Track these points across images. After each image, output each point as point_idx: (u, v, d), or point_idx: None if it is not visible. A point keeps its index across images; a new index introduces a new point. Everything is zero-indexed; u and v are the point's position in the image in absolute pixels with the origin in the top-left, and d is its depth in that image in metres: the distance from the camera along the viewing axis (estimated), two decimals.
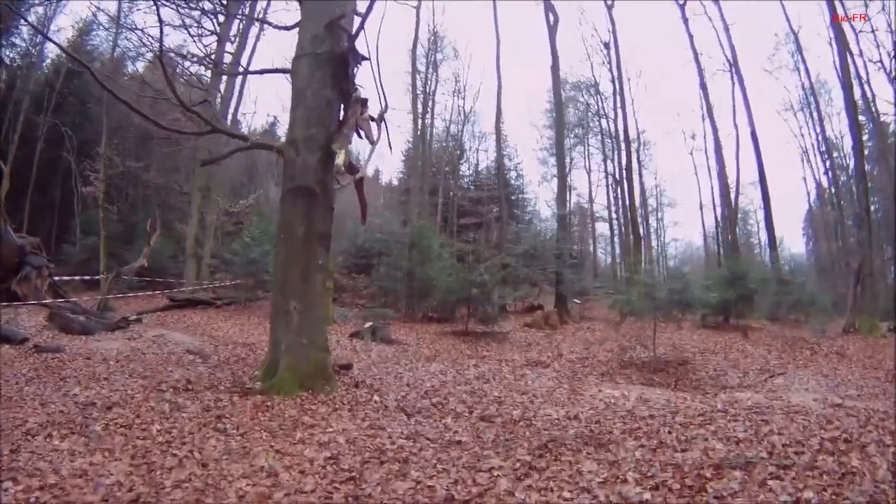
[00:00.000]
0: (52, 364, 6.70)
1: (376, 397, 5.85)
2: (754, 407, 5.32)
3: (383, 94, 7.68)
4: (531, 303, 19.79)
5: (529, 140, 70.95)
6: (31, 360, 6.83)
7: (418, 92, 30.10)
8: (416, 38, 26.04)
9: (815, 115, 28.45)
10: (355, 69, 7.10)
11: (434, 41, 31.91)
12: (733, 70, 22.95)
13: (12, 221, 21.27)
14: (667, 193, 37.16)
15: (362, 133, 6.76)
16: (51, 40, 17.65)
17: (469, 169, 36.86)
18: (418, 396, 6.03)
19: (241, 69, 13.29)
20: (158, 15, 6.57)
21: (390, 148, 10.03)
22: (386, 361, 8.78)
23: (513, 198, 33.90)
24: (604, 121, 32.48)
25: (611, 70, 27.02)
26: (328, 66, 6.66)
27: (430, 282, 15.53)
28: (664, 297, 9.73)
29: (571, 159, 34.19)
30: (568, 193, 32.94)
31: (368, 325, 12.24)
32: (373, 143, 6.74)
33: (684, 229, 55.62)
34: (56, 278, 13.44)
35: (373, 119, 7.29)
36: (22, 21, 20.73)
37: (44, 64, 25.18)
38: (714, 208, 30.06)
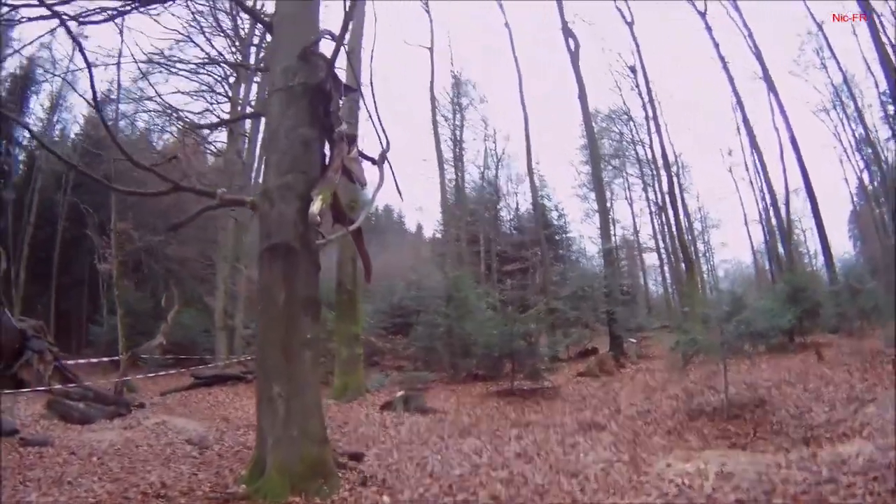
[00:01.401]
0: (28, 461, 6.13)
1: (386, 498, 4.80)
2: (869, 465, 4.21)
3: (383, 132, 6.83)
4: (585, 347, 18.52)
5: (567, 178, 69.50)
6: (12, 456, 6.27)
7: (445, 138, 30.95)
8: (433, 80, 25.76)
9: (847, 111, 26.97)
10: (339, 101, 6.34)
11: (457, 86, 32.28)
12: (764, 76, 22.16)
13: (34, 303, 21.88)
14: (710, 215, 35.82)
15: (353, 176, 5.92)
16: (29, 129, 17.61)
17: (509, 213, 36.45)
18: (441, 492, 4.95)
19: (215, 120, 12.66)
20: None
21: (399, 194, 9.24)
22: (413, 440, 7.71)
23: (556, 238, 33.42)
24: (640, 148, 31.76)
25: (640, 94, 26.20)
26: (303, 99, 5.88)
27: (468, 337, 14.47)
28: (732, 329, 8.37)
29: (612, 192, 33.81)
30: (612, 226, 32.54)
31: (400, 394, 11.27)
32: (363, 185, 5.90)
33: (732, 249, 52.72)
34: (79, 361, 13.23)
35: (372, 160, 6.52)
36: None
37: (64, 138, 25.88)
38: (761, 223, 29.27)
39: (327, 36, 6.41)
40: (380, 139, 6.93)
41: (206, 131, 20.19)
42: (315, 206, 4.88)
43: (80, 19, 6.37)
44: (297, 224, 5.38)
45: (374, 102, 8.49)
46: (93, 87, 5.19)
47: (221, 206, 6.16)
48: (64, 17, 5.39)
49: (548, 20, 37.32)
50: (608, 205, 28.04)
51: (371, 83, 14.69)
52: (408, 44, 32.35)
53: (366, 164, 6.37)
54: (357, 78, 15.17)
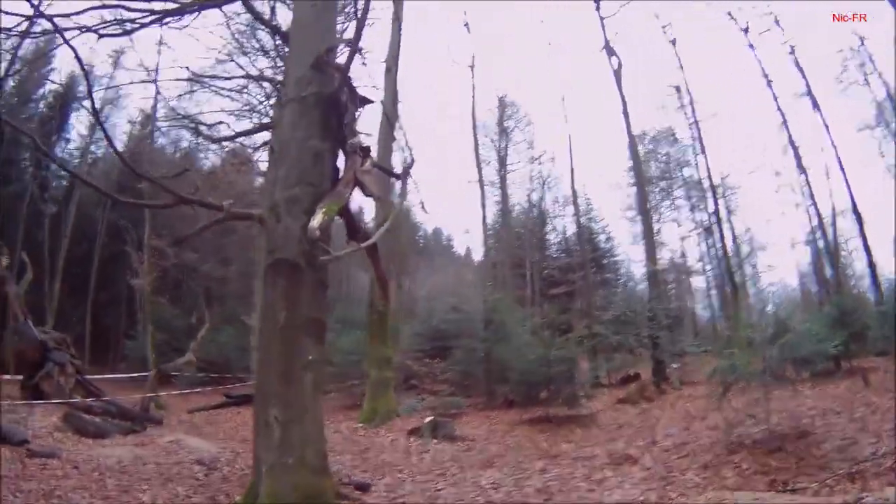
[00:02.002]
0: (28, 471, 6.10)
1: None
2: None
3: (408, 146, 6.66)
4: (628, 372, 17.96)
5: (616, 201, 68.35)
6: (14, 466, 6.23)
7: (491, 160, 31.30)
8: (474, 99, 25.85)
9: (891, 127, 25.61)
10: (355, 113, 6.17)
11: (501, 108, 32.33)
12: (808, 93, 21.68)
13: (69, 316, 22.54)
14: (757, 237, 34.84)
15: (366, 189, 5.70)
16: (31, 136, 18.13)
17: (557, 236, 36.11)
18: None
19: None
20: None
21: (424, 209, 9.05)
22: (432, 470, 7.39)
23: (604, 262, 32.96)
24: (686, 169, 31.43)
25: (685, 114, 26.14)
26: (315, 110, 5.73)
27: (505, 362, 14.11)
28: (775, 355, 7.77)
29: (660, 214, 33.12)
30: (658, 249, 32.33)
31: (429, 419, 10.96)
32: (376, 199, 5.69)
33: (779, 272, 50.93)
34: (107, 375, 13.48)
35: (395, 175, 6.33)
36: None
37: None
38: (808, 245, 28.31)
39: (343, 44, 6.29)
40: (403, 154, 6.76)
41: (250, 151, 20.52)
42: (315, 220, 4.67)
43: (98, 31, 6.41)
44: (303, 240, 5.16)
45: (396, 114, 8.29)
46: (91, 95, 5.13)
47: (228, 220, 6.04)
48: (70, 29, 5.47)
49: (589, 39, 36.95)
50: (655, 227, 27.44)
51: (394, 97, 14.91)
52: (454, 62, 31.71)
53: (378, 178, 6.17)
54: (395, 95, 15.35)
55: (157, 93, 19.92)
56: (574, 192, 23.89)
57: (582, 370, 14.81)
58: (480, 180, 25.47)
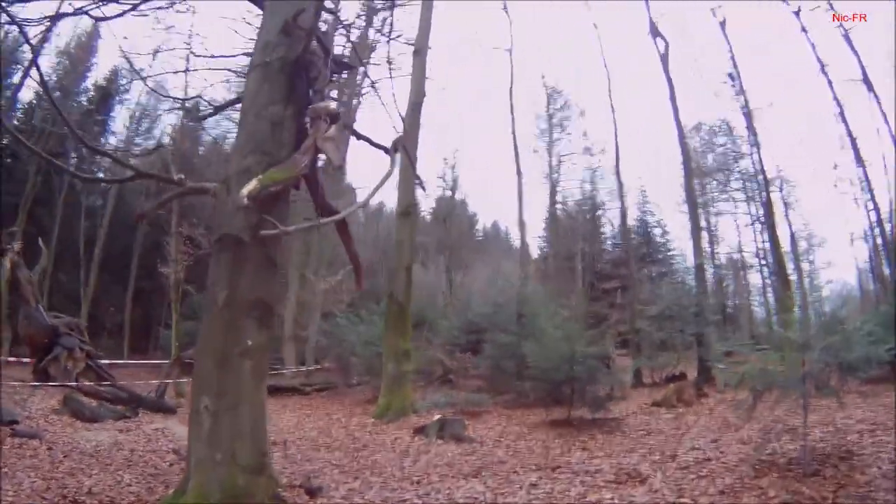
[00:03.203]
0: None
1: None
2: None
3: (401, 119, 6.24)
4: (672, 372, 17.05)
5: (673, 194, 65.99)
6: None
7: (541, 151, 31.09)
8: (512, 84, 25.74)
9: None
10: (331, 77, 5.82)
11: (550, 98, 32.02)
12: (864, 80, 19.99)
13: (106, 305, 23.34)
14: (816, 233, 33.10)
15: (327, 157, 5.31)
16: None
17: (612, 229, 35.41)
18: None
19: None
20: None
21: (423, 187, 8.62)
22: (415, 476, 6.95)
23: (659, 256, 32.33)
24: (743, 161, 30.18)
25: (739, 104, 24.56)
26: (280, 76, 5.40)
27: (531, 359, 13.61)
28: (817, 358, 6.78)
29: (717, 211, 32.60)
30: (715, 244, 31.59)
31: (437, 418, 10.56)
32: (336, 167, 5.33)
33: (838, 269, 47.65)
34: (133, 362, 13.79)
35: (384, 148, 5.94)
36: None
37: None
38: (867, 240, 27.37)
39: (324, 9, 5.93)
40: (395, 127, 6.41)
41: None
42: (246, 188, 4.28)
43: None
44: (251, 213, 4.81)
45: (393, 90, 7.88)
46: (39, 71, 4.92)
47: (187, 194, 5.78)
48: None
49: (633, 23, 35.56)
50: (712, 221, 27.78)
51: (421, 81, 14.52)
52: (493, 48, 31.35)
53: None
54: (423, 77, 14.98)
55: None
56: (620, 183, 22.87)
57: (621, 368, 14.40)
58: (518, 171, 25.20)
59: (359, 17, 22.82)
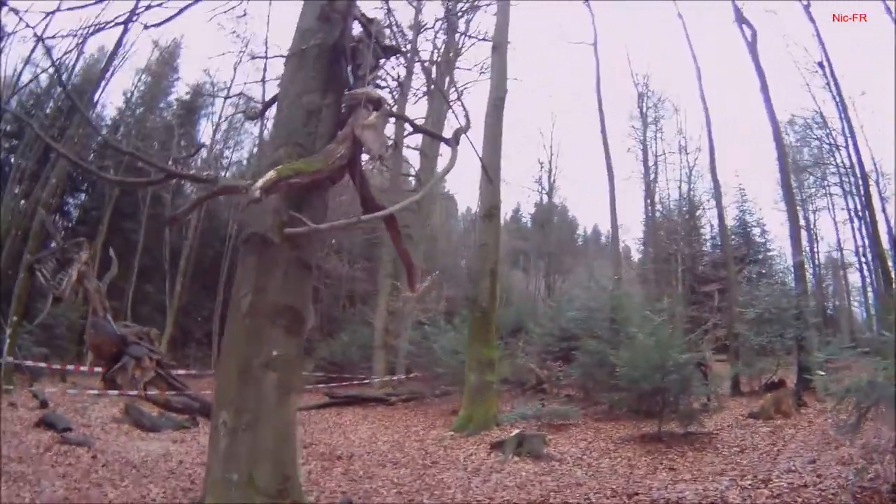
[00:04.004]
0: (41, 455, 6.68)
1: None
2: None
3: (464, 110, 5.85)
4: (771, 379, 15.95)
5: (768, 190, 61.97)
6: (38, 450, 6.90)
7: (630, 150, 30.91)
8: (598, 80, 24.79)
9: None
10: (377, 63, 5.49)
11: (643, 95, 31.44)
12: None
13: (197, 316, 24.29)
14: None
15: (365, 147, 4.90)
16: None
17: (711, 230, 33.64)
18: None
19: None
20: None
21: (489, 178, 8.13)
22: (474, 500, 6.47)
23: (759, 256, 30.08)
24: (839, 154, 28.33)
25: (830, 92, 23.08)
26: (317, 63, 5.10)
27: (623, 367, 12.97)
28: None
29: (815, 207, 31.22)
30: (816, 243, 30.35)
31: (515, 433, 10.00)
32: (376, 157, 4.91)
33: None
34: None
35: (445, 140, 5.57)
36: None
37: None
38: None
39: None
40: (456, 117, 6.03)
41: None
42: (260, 181, 3.91)
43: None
44: (280, 210, 4.48)
45: (453, 81, 7.44)
46: (58, 71, 4.83)
47: (220, 194, 5.54)
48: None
49: (716, 12, 34.01)
50: (811, 219, 26.66)
51: (501, 77, 14.13)
52: (576, 42, 30.75)
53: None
54: (503, 73, 14.60)
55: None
56: (716, 182, 21.62)
57: (718, 375, 13.61)
58: (609, 171, 24.40)
59: (440, 20, 23.16)
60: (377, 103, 5.12)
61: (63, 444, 7.23)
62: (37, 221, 15.46)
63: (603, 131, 24.66)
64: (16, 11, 4.77)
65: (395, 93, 22.73)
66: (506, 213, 46.12)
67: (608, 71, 52.60)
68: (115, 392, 10.37)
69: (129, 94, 23.62)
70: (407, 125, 11.19)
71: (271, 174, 3.96)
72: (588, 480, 7.68)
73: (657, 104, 31.94)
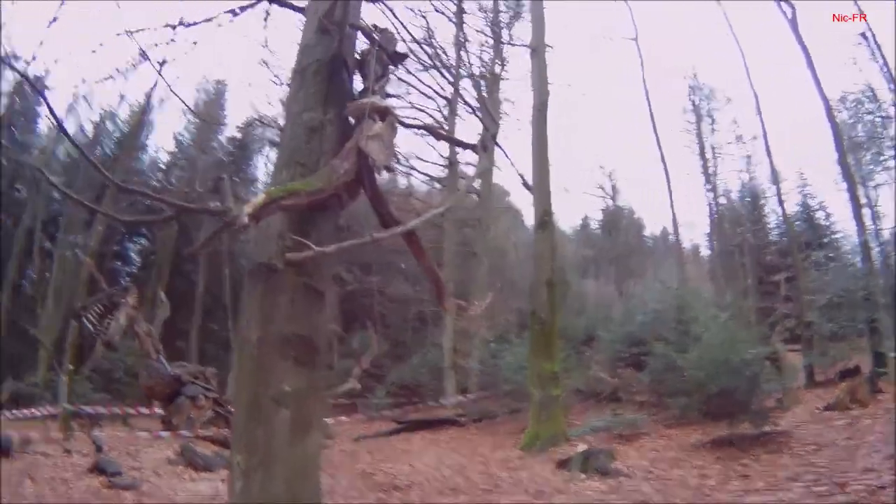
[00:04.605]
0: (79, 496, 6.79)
1: None
2: None
3: (488, 113, 5.64)
4: (846, 365, 15.52)
5: (827, 171, 58.65)
6: (85, 495, 6.89)
7: (688, 145, 30.82)
8: (644, 74, 25.55)
9: None
10: (385, 71, 5.30)
11: (694, 89, 31.71)
12: None
13: None
14: None
15: (370, 159, 4.68)
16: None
17: (775, 218, 33.04)
18: None
19: None
20: None
21: (526, 186, 7.90)
22: None
23: (825, 240, 30.00)
24: (892, 127, 26.57)
25: (877, 63, 22.27)
26: (315, 78, 4.93)
27: (691, 368, 12.60)
28: None
29: (875, 183, 29.30)
30: (878, 220, 28.82)
31: (582, 448, 10.06)
32: (382, 169, 4.68)
33: None
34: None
35: (471, 147, 5.35)
36: None
37: None
38: None
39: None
40: (483, 121, 5.85)
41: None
42: (248, 206, 3.73)
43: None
44: (284, 236, 4.30)
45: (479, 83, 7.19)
46: (51, 110, 4.89)
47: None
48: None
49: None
50: (872, 196, 26.07)
51: (542, 81, 13.96)
52: (615, 37, 30.40)
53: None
54: (544, 77, 14.40)
55: None
56: (773, 168, 22.30)
57: (791, 367, 13.61)
58: (665, 168, 24.96)
59: (480, 31, 23.29)
60: (383, 113, 4.91)
61: (110, 489, 7.32)
62: (84, 269, 16.25)
63: (654, 128, 25.04)
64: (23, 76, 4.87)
65: (443, 110, 23.04)
66: (574, 222, 46.05)
67: (654, 67, 51.31)
68: (170, 433, 10.71)
69: (179, 136, 24.74)
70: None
71: (260, 197, 3.80)
72: (655, 495, 7.53)
73: (708, 96, 31.69)
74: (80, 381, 15.81)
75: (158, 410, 11.70)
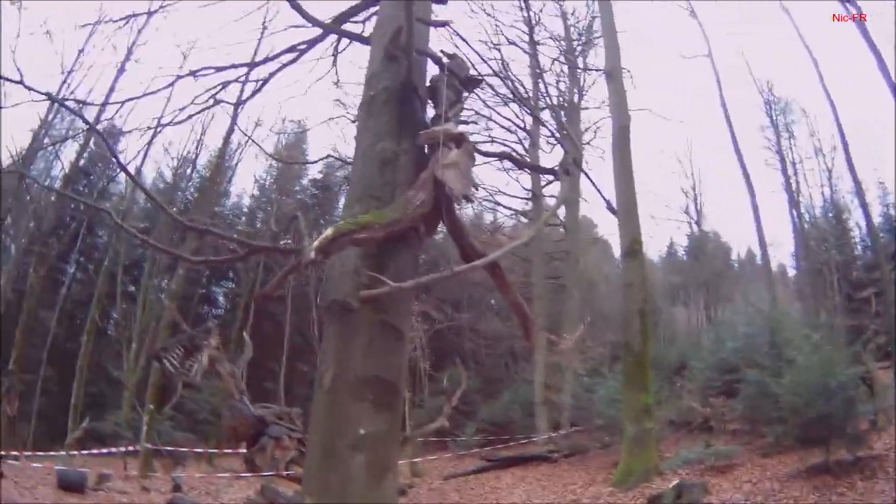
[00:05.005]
0: None
1: None
2: None
3: (570, 138, 5.45)
4: None
5: None
6: None
7: (768, 162, 29.84)
8: (721, 91, 25.06)
9: None
10: (455, 98, 5.16)
11: (769, 103, 30.68)
12: None
13: None
14: None
15: (446, 188, 4.47)
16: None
17: (860, 232, 31.54)
18: None
19: None
20: None
21: (611, 209, 7.60)
22: None
23: None
24: None
25: None
26: (385, 108, 4.84)
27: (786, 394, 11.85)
28: None
29: None
30: None
31: (674, 483, 9.86)
32: (460, 199, 4.45)
33: None
34: None
35: (551, 172, 5.12)
36: None
37: None
38: None
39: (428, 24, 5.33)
40: (563, 146, 5.67)
41: None
42: (316, 241, 3.59)
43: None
44: (360, 272, 4.14)
45: (558, 109, 6.96)
46: (114, 155, 4.99)
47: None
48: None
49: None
50: None
51: (621, 106, 13.68)
52: (687, 55, 29.76)
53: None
54: (623, 100, 14.08)
55: None
56: (856, 179, 21.16)
57: (884, 386, 12.71)
58: (750, 185, 24.17)
59: (555, 59, 23.29)
60: (459, 140, 4.73)
61: None
62: (166, 312, 16.92)
63: (736, 147, 24.39)
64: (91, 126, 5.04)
65: (524, 142, 23.06)
66: (660, 249, 45.39)
67: (727, 84, 49.78)
68: (251, 473, 10.71)
69: (262, 180, 25.70)
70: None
71: (328, 232, 3.65)
72: None
73: (784, 109, 30.70)
74: (162, 421, 16.36)
75: (243, 451, 11.80)
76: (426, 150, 4.81)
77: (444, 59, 5.26)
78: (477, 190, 5.04)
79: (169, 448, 13.94)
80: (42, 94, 5.29)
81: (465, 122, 5.70)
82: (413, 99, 4.91)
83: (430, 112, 5.19)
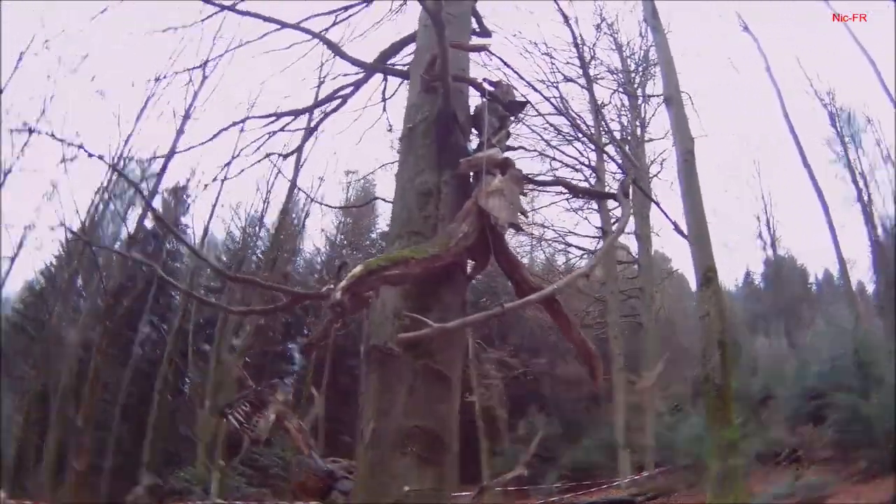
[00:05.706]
0: None
1: None
2: None
3: (630, 160, 5.20)
4: None
5: None
6: None
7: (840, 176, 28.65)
8: (783, 104, 24.77)
9: None
10: (499, 123, 4.93)
11: (834, 115, 29.31)
12: None
13: None
14: None
15: (491, 217, 4.16)
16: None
17: None
18: None
19: None
20: None
21: (679, 232, 7.17)
22: None
23: None
24: None
25: None
26: (424, 140, 4.65)
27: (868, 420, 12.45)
28: None
29: None
30: None
31: None
32: (506, 227, 4.15)
33: None
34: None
35: (610, 196, 4.79)
36: None
37: None
38: None
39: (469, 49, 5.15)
40: (623, 167, 5.27)
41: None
42: (343, 281, 3.34)
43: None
44: (400, 314, 3.87)
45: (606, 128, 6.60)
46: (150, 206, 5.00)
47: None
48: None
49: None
50: None
51: (683, 130, 13.21)
52: (737, 70, 29.26)
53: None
54: (685, 126, 13.67)
55: None
56: None
57: None
58: (825, 207, 24.02)
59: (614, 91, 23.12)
60: (503, 166, 4.46)
61: None
62: (231, 369, 17.32)
63: (805, 162, 24.10)
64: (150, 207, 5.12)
65: (591, 179, 22.81)
66: (735, 278, 44.13)
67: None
68: None
69: (332, 237, 26.19)
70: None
71: (355, 270, 3.39)
72: None
73: (849, 120, 29.38)
74: (234, 476, 16.53)
75: None
76: (471, 180, 4.59)
77: (487, 86, 5.07)
78: (526, 217, 4.74)
79: (239, 503, 14.06)
80: (100, 159, 5.47)
81: (512, 149, 5.41)
82: (453, 128, 4.68)
83: (475, 142, 4.99)
